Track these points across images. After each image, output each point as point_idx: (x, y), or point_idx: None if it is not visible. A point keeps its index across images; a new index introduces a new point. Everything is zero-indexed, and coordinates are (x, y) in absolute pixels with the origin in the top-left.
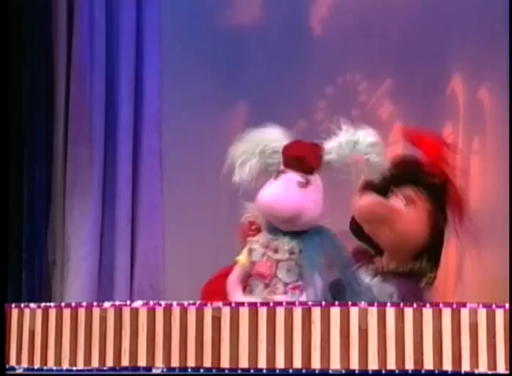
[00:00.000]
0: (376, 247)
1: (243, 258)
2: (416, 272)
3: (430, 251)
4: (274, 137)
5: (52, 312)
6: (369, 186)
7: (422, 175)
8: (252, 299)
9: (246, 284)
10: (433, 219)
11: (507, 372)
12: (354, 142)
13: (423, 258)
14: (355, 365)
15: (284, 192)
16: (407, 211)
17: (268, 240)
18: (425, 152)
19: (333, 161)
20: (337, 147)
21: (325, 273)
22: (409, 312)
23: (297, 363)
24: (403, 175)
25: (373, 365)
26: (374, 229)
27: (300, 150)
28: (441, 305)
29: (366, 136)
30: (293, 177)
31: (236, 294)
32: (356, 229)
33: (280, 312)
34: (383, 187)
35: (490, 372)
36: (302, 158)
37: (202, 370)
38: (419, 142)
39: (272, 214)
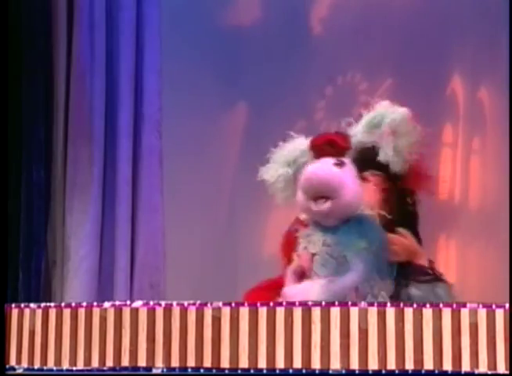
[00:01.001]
0: None
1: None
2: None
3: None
4: (300, 148)
5: (52, 312)
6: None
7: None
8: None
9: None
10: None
11: (507, 372)
12: (377, 119)
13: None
14: (355, 365)
15: (325, 167)
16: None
17: (307, 233)
18: None
19: (361, 141)
20: (362, 127)
21: (367, 258)
22: (409, 312)
23: (297, 363)
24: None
25: (373, 365)
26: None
27: (327, 137)
28: (441, 305)
29: (387, 111)
30: (327, 160)
31: (288, 285)
32: None
33: (280, 312)
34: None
35: (490, 372)
36: (331, 142)
37: (202, 370)
38: None
39: (315, 186)
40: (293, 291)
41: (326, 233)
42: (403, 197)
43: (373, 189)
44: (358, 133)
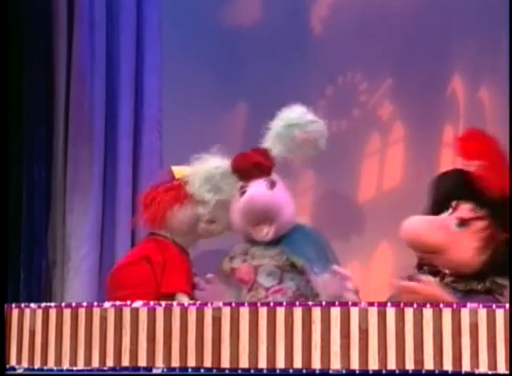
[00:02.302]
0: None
1: (224, 264)
2: (486, 290)
3: (497, 267)
4: (215, 165)
5: (53, 312)
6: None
7: (481, 190)
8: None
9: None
10: (493, 241)
11: (507, 372)
12: (288, 126)
13: (490, 277)
14: (355, 365)
15: (260, 194)
16: (459, 236)
17: (246, 248)
18: (484, 164)
19: (280, 153)
20: (277, 138)
21: (321, 258)
22: (409, 312)
23: (298, 363)
24: (463, 189)
25: (373, 365)
26: (423, 256)
27: (248, 159)
28: (441, 305)
29: (294, 115)
30: (258, 183)
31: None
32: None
33: (280, 312)
34: (443, 200)
35: (490, 372)
36: (257, 165)
37: (202, 370)
38: (476, 155)
39: (257, 213)
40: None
41: (268, 246)
42: (507, 235)
43: (471, 236)
44: (274, 143)
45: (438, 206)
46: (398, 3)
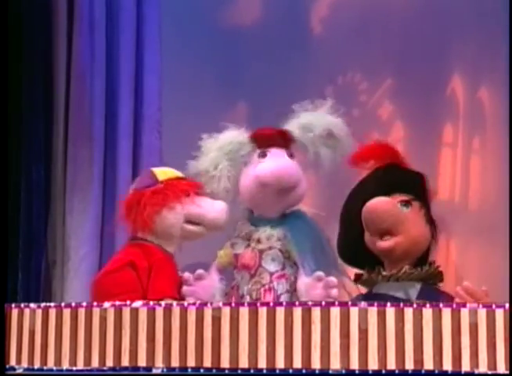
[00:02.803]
0: (372, 260)
1: (223, 253)
2: (432, 276)
3: (428, 251)
4: (232, 135)
5: (52, 312)
6: (359, 199)
7: (405, 178)
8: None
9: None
10: (428, 214)
11: (507, 372)
12: (312, 123)
13: (427, 260)
14: (355, 365)
15: (287, 162)
16: (409, 215)
17: (249, 231)
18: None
19: (302, 135)
20: (302, 125)
21: (315, 256)
22: (408, 312)
23: (297, 363)
24: (388, 183)
25: (373, 365)
26: (389, 243)
27: (270, 128)
28: (441, 305)
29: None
30: (279, 151)
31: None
32: (350, 245)
33: (280, 312)
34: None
35: (490, 372)
36: (279, 132)
37: (202, 370)
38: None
39: (283, 180)
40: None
41: (272, 229)
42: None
43: (417, 214)
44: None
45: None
46: (397, 3)
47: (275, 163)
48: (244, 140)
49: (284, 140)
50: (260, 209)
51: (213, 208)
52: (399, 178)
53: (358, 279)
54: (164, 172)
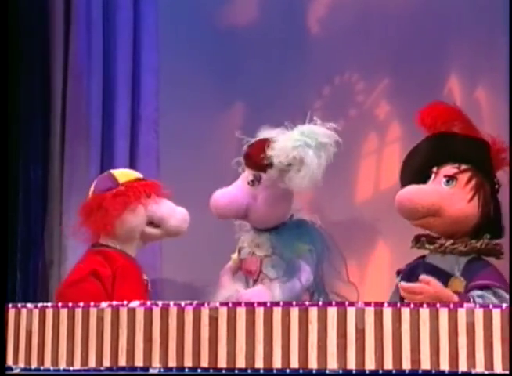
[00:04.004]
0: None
1: (235, 257)
2: (482, 251)
3: (490, 225)
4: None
5: (49, 312)
6: (409, 170)
7: (457, 147)
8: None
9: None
10: (482, 190)
11: (507, 372)
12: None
13: (484, 235)
14: (352, 365)
15: (234, 191)
16: (450, 193)
17: (253, 237)
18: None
19: (273, 157)
20: (279, 147)
21: (311, 262)
22: (406, 311)
23: (294, 363)
24: (438, 153)
25: (370, 365)
26: (420, 223)
27: (252, 148)
28: (438, 305)
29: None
30: (247, 175)
31: (227, 280)
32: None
33: (277, 311)
34: (422, 170)
35: (487, 372)
36: (251, 156)
37: (199, 370)
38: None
39: (219, 212)
40: (249, 294)
41: (271, 236)
42: (493, 186)
43: (461, 189)
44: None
45: (418, 177)
46: (394, 4)
47: (219, 193)
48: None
49: (256, 162)
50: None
51: (175, 214)
52: (451, 147)
53: (413, 242)
54: (124, 174)
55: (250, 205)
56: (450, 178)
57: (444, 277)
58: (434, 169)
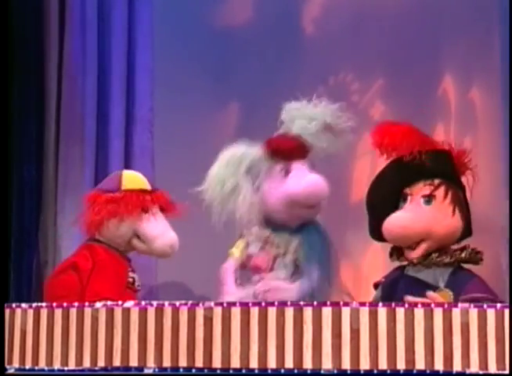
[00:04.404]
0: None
1: (236, 250)
2: (464, 260)
3: (467, 232)
4: (245, 149)
5: (44, 312)
6: (379, 195)
7: (424, 163)
8: (243, 292)
9: (236, 277)
10: (458, 200)
11: (506, 372)
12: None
13: (466, 244)
14: (346, 365)
15: (312, 178)
16: (433, 212)
17: (268, 234)
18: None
19: (316, 139)
20: (309, 126)
21: (325, 268)
22: (400, 311)
23: (289, 363)
24: (407, 173)
25: (364, 365)
26: (412, 245)
27: (289, 141)
28: (432, 305)
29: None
30: (301, 166)
31: (230, 285)
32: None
33: (272, 311)
34: (394, 193)
35: (482, 372)
36: (298, 146)
37: (194, 370)
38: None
39: (312, 199)
40: (267, 287)
41: (290, 237)
42: (464, 191)
43: (441, 205)
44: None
45: (390, 200)
46: (389, 4)
47: (305, 180)
48: (257, 155)
49: (302, 152)
50: (283, 220)
51: (162, 238)
52: (419, 165)
53: (391, 255)
54: (131, 181)
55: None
56: (428, 198)
57: (427, 290)
58: (407, 190)
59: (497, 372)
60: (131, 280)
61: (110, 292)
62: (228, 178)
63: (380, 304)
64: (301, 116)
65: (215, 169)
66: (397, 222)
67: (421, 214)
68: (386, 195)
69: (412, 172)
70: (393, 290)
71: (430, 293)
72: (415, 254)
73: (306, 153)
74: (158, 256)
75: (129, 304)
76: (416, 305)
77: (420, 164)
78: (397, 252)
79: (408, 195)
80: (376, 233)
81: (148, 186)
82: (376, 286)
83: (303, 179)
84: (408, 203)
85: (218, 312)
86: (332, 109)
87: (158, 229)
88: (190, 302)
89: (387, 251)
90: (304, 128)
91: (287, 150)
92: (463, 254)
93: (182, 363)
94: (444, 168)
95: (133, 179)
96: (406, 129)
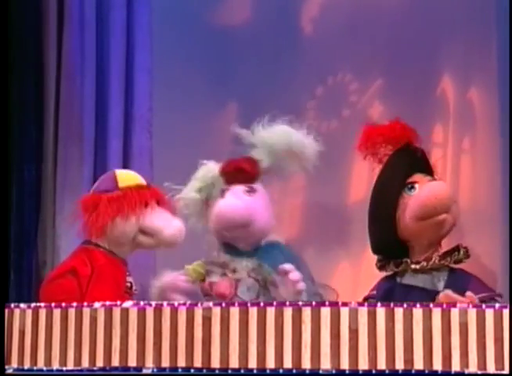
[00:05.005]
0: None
1: (193, 272)
2: (459, 260)
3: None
4: (209, 169)
5: (42, 313)
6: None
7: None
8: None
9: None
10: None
11: (506, 372)
12: (282, 140)
13: (460, 244)
14: (345, 365)
15: (235, 200)
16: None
17: (226, 260)
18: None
19: (269, 165)
20: (268, 149)
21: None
22: (399, 312)
23: (288, 363)
24: (406, 167)
25: (363, 365)
26: (437, 220)
27: (236, 164)
28: (431, 305)
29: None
30: (238, 188)
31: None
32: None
33: (271, 312)
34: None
35: (480, 372)
36: (240, 169)
37: (192, 370)
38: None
39: (227, 222)
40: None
41: (248, 259)
42: None
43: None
44: (263, 154)
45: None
46: (388, 4)
47: (221, 204)
48: (216, 174)
49: (246, 176)
50: (230, 241)
51: (169, 227)
52: (416, 158)
53: (381, 267)
54: (126, 178)
55: (256, 212)
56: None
57: (427, 295)
58: (410, 179)
59: (496, 372)
60: (128, 284)
61: (110, 299)
62: (194, 191)
63: (379, 304)
64: (263, 144)
65: (192, 182)
66: (434, 189)
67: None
68: (399, 181)
69: (411, 165)
70: (389, 301)
71: (447, 291)
72: (442, 217)
73: (250, 176)
74: (166, 246)
75: (128, 304)
76: (414, 305)
77: (415, 158)
78: (388, 262)
79: (415, 183)
80: (379, 240)
81: (143, 181)
82: (366, 300)
83: (222, 203)
84: (417, 189)
85: (216, 312)
86: (296, 135)
87: (163, 220)
88: (189, 302)
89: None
90: (266, 156)
91: (228, 173)
92: (461, 254)
93: (181, 363)
94: (428, 164)
95: (127, 177)
96: (394, 126)
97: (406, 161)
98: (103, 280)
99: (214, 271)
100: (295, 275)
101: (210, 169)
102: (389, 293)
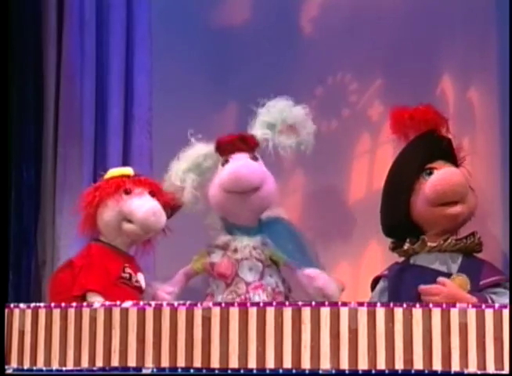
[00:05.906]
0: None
1: (197, 263)
2: (473, 246)
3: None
4: (202, 148)
5: (42, 313)
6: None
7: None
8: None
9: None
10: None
11: (506, 372)
12: (273, 119)
13: (475, 232)
14: (344, 365)
15: (245, 163)
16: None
17: (227, 240)
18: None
19: (267, 137)
20: (265, 124)
21: (299, 254)
22: (398, 312)
23: (287, 363)
24: (427, 152)
25: (363, 365)
26: (449, 211)
27: (233, 135)
28: (430, 305)
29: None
30: (242, 155)
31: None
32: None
33: (270, 312)
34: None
35: (480, 372)
36: (243, 138)
37: (192, 371)
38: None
39: (245, 180)
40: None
41: (249, 238)
42: None
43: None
44: (256, 132)
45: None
46: (387, 4)
47: (233, 166)
48: (210, 152)
49: (246, 144)
50: (232, 217)
51: (142, 208)
52: (440, 145)
53: (396, 248)
54: (113, 171)
55: (265, 176)
56: (431, 171)
57: (438, 277)
58: (431, 165)
59: (495, 372)
60: (126, 275)
61: (97, 285)
62: (181, 173)
63: (379, 304)
64: (261, 123)
65: (175, 165)
66: (452, 175)
67: (462, 174)
68: (417, 166)
69: (434, 151)
70: (400, 281)
71: (440, 278)
72: (455, 210)
73: (250, 145)
74: (146, 230)
75: (127, 304)
76: (414, 305)
77: (440, 145)
78: (401, 244)
79: (434, 169)
80: (392, 221)
81: (131, 172)
82: (376, 280)
83: (232, 166)
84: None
85: (216, 312)
86: (293, 109)
87: (138, 203)
88: (188, 302)
89: (385, 250)
90: (265, 134)
91: (226, 142)
92: (475, 240)
93: (181, 363)
94: (453, 153)
95: (116, 170)
96: (424, 110)
97: (429, 147)
98: (91, 268)
99: (215, 251)
100: (322, 280)
101: (200, 148)
102: (400, 273)
